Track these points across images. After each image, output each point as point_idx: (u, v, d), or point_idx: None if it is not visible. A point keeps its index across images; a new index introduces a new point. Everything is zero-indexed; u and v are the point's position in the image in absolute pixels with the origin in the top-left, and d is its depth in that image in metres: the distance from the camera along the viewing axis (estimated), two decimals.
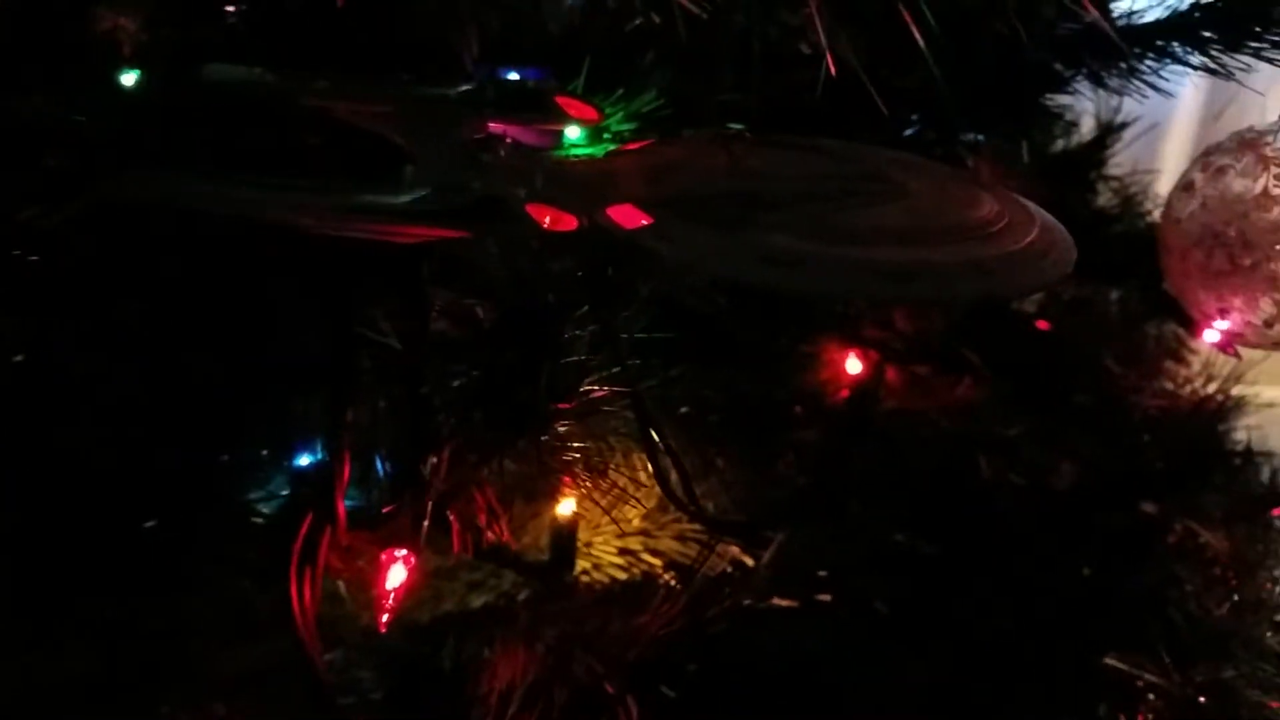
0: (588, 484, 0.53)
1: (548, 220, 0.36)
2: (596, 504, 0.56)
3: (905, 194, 0.40)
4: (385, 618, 0.47)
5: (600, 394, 0.45)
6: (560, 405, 0.44)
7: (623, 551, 0.69)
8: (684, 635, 0.49)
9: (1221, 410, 0.87)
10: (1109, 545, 0.77)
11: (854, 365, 0.72)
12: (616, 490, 0.55)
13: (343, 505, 0.48)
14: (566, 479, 0.57)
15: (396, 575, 0.48)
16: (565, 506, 0.66)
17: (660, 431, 0.46)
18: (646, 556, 0.68)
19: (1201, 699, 0.72)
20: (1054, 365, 0.85)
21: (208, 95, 0.41)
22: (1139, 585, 0.76)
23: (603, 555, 0.70)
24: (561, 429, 0.45)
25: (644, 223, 0.38)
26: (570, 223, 0.37)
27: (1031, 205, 0.41)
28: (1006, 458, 0.76)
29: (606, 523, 0.70)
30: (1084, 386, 0.85)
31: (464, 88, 0.42)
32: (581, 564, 0.68)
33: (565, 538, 0.66)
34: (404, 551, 0.49)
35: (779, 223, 0.37)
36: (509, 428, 0.45)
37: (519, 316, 0.43)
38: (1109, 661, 0.71)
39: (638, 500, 0.64)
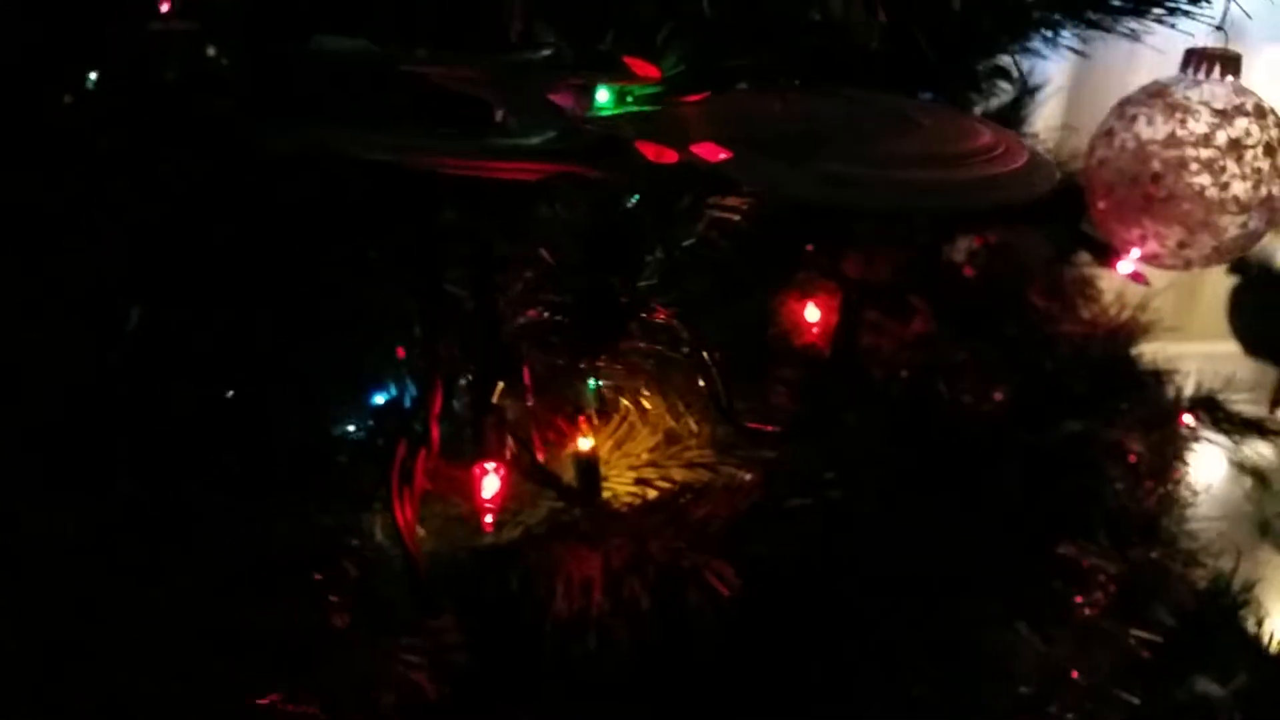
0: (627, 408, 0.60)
1: (653, 155, 0.44)
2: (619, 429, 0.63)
3: (921, 127, 0.49)
4: (489, 519, 0.54)
5: (663, 315, 0.53)
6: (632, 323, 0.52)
7: (638, 481, 0.77)
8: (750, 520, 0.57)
9: (1131, 335, 0.98)
10: (1050, 453, 0.88)
11: (814, 312, 0.82)
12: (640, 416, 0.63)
13: (437, 431, 0.55)
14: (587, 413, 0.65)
15: (491, 485, 0.55)
16: (584, 442, 0.73)
17: (710, 351, 0.54)
18: (660, 483, 0.76)
19: (1136, 574, 0.83)
20: (986, 303, 0.95)
21: (320, 61, 0.48)
22: (1078, 485, 0.87)
23: (618, 486, 0.77)
24: (634, 345, 0.53)
25: (724, 157, 0.46)
26: (671, 156, 0.44)
27: (1017, 136, 0.50)
28: (956, 383, 0.87)
29: (618, 457, 0.77)
30: (1012, 320, 0.97)
31: (545, 52, 0.50)
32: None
33: (589, 469, 0.73)
34: (494, 464, 0.56)
35: (830, 153, 0.46)
36: (590, 343, 0.52)
37: (603, 243, 0.51)
38: (1061, 550, 0.82)
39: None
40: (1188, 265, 0.78)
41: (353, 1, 0.52)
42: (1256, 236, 0.76)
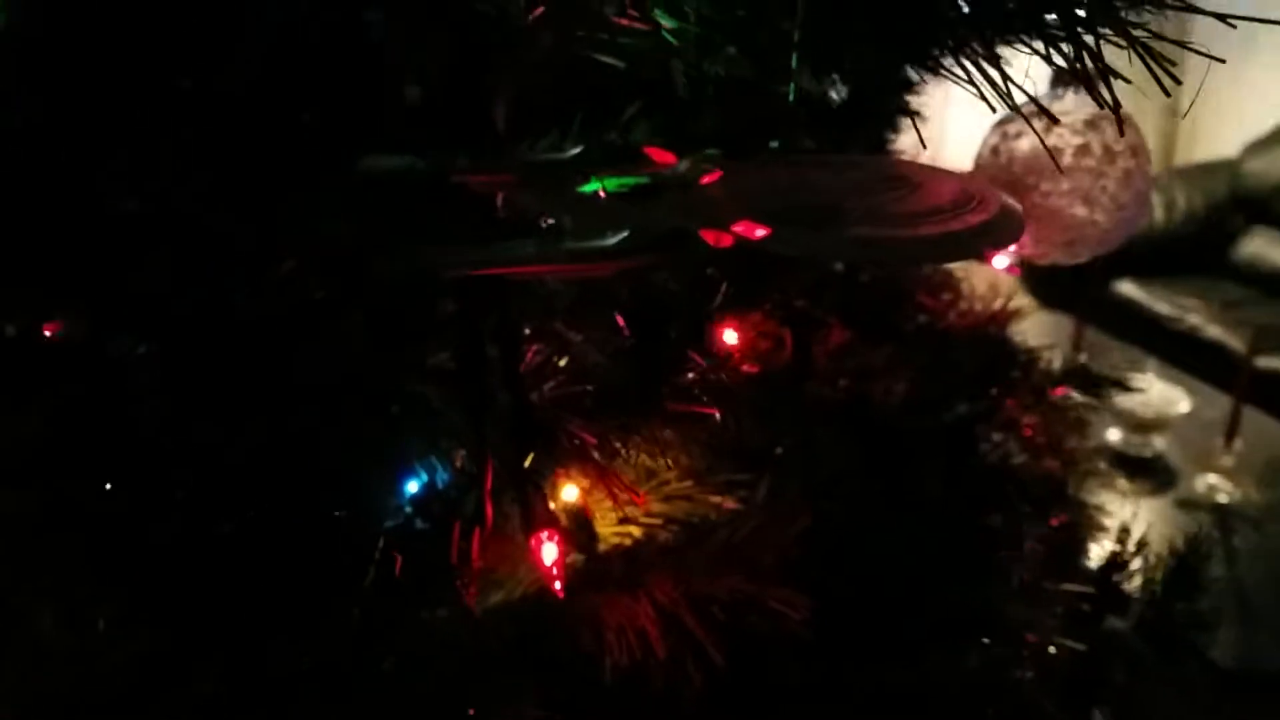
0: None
1: (713, 241, 0.49)
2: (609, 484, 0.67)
3: (917, 186, 0.55)
4: (558, 586, 0.57)
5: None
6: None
7: (622, 520, 0.81)
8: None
9: (1008, 318, 1.09)
10: (963, 434, 0.97)
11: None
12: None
13: (491, 508, 0.58)
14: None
15: (550, 552, 0.59)
16: (569, 492, 0.77)
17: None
18: (644, 519, 0.81)
19: (1057, 536, 0.93)
20: (885, 308, 1.04)
21: (375, 181, 0.51)
22: (986, 460, 0.97)
23: (602, 528, 0.82)
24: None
25: (762, 234, 0.51)
26: (728, 240, 0.49)
27: (985, 185, 0.58)
28: (879, 384, 0.95)
29: (597, 500, 0.81)
30: (909, 319, 1.06)
31: (574, 150, 0.54)
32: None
33: (582, 519, 0.77)
34: (548, 532, 0.59)
35: (851, 219, 0.52)
36: (635, 414, 0.57)
37: (645, 324, 0.55)
38: (989, 521, 0.91)
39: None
40: (1075, 259, 0.88)
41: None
42: (1131, 226, 0.87)
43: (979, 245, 0.51)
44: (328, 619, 0.57)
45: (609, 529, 0.82)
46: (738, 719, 0.58)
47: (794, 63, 0.57)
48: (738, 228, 0.51)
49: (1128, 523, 0.99)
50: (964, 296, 1.09)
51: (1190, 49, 0.48)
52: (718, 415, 0.58)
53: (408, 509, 0.61)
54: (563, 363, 0.59)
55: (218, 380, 0.51)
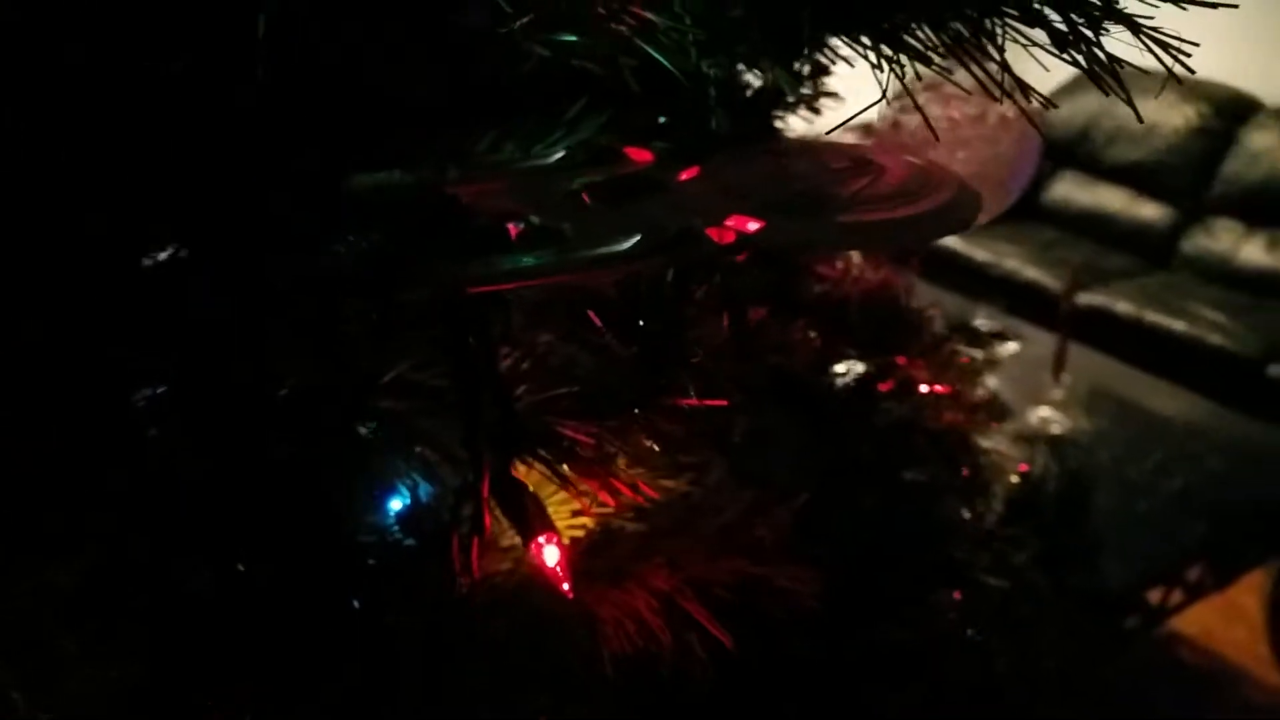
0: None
1: (717, 237, 0.50)
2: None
3: (881, 169, 0.58)
4: (567, 586, 0.58)
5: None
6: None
7: (575, 513, 0.82)
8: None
9: (897, 283, 1.14)
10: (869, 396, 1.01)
11: None
12: None
13: (489, 516, 0.58)
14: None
15: (552, 554, 0.59)
16: None
17: None
18: (597, 510, 0.81)
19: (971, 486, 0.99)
20: (788, 282, 1.07)
21: (372, 198, 0.50)
22: (895, 414, 1.02)
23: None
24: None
25: (756, 226, 0.53)
26: (730, 236, 0.51)
27: (939, 166, 0.60)
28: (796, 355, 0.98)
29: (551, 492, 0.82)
30: (808, 290, 1.09)
31: (558, 154, 0.54)
32: None
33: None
34: (547, 536, 0.60)
35: (832, 207, 0.54)
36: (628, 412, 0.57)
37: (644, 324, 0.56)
38: (910, 475, 0.96)
39: None
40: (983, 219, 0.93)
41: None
42: (1022, 188, 0.92)
43: (952, 222, 0.54)
44: (332, 642, 0.56)
45: (564, 522, 0.83)
46: (744, 696, 0.60)
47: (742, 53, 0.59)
48: (731, 222, 0.52)
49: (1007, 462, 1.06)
50: (855, 265, 1.13)
51: None
52: (725, 404, 0.59)
53: (395, 527, 0.61)
54: (537, 365, 0.60)
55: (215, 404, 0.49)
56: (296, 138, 0.48)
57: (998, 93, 0.88)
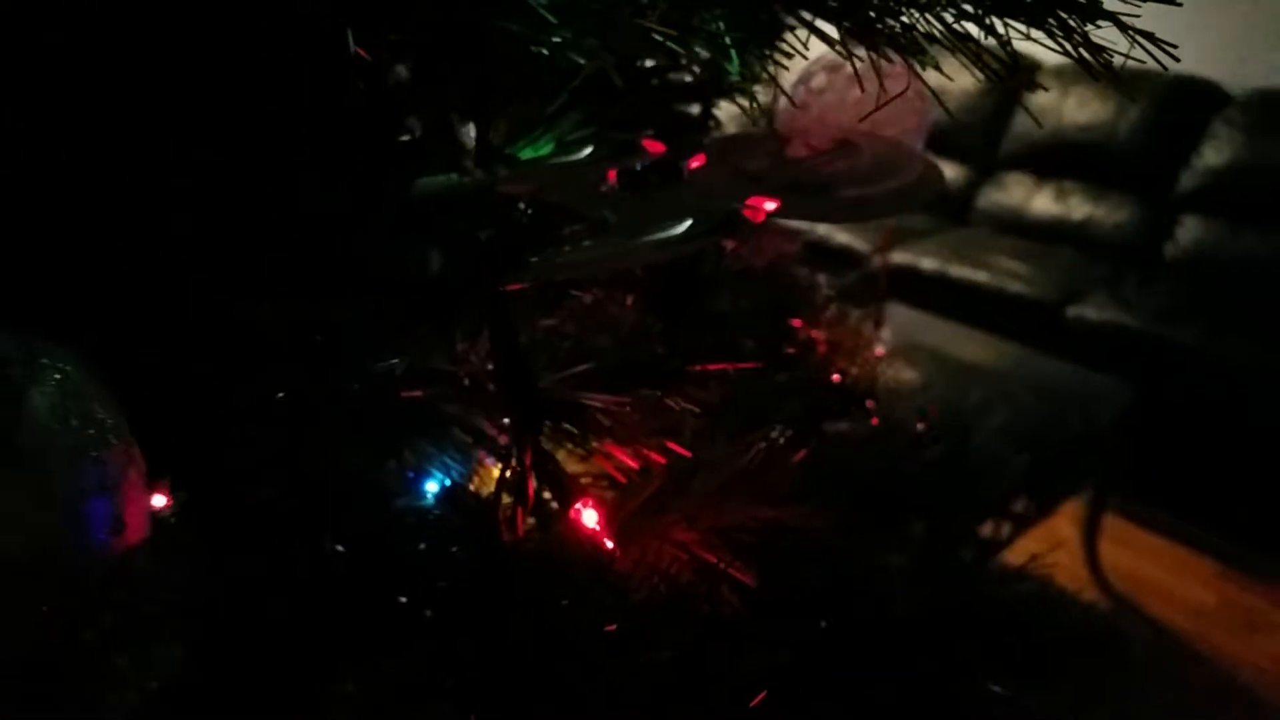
0: None
1: (751, 216, 0.56)
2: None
3: (859, 151, 0.65)
4: (611, 544, 0.63)
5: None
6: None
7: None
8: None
9: (789, 255, 1.22)
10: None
11: None
12: None
13: (533, 486, 0.63)
14: None
15: (591, 517, 0.64)
16: None
17: None
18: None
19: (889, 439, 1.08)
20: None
21: (438, 199, 0.54)
22: (797, 370, 1.10)
23: None
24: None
25: (773, 205, 0.59)
26: (760, 216, 0.57)
27: (904, 145, 0.68)
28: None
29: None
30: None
31: (588, 150, 0.59)
32: None
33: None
34: (583, 500, 0.65)
35: (837, 183, 0.61)
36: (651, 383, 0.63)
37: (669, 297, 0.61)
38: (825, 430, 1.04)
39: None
40: None
41: None
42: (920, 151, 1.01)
43: (929, 192, 0.62)
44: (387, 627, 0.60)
45: None
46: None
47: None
48: (753, 202, 0.59)
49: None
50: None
51: None
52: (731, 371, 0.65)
53: (436, 506, 0.64)
54: (556, 345, 0.64)
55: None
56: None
57: (894, 72, 0.97)
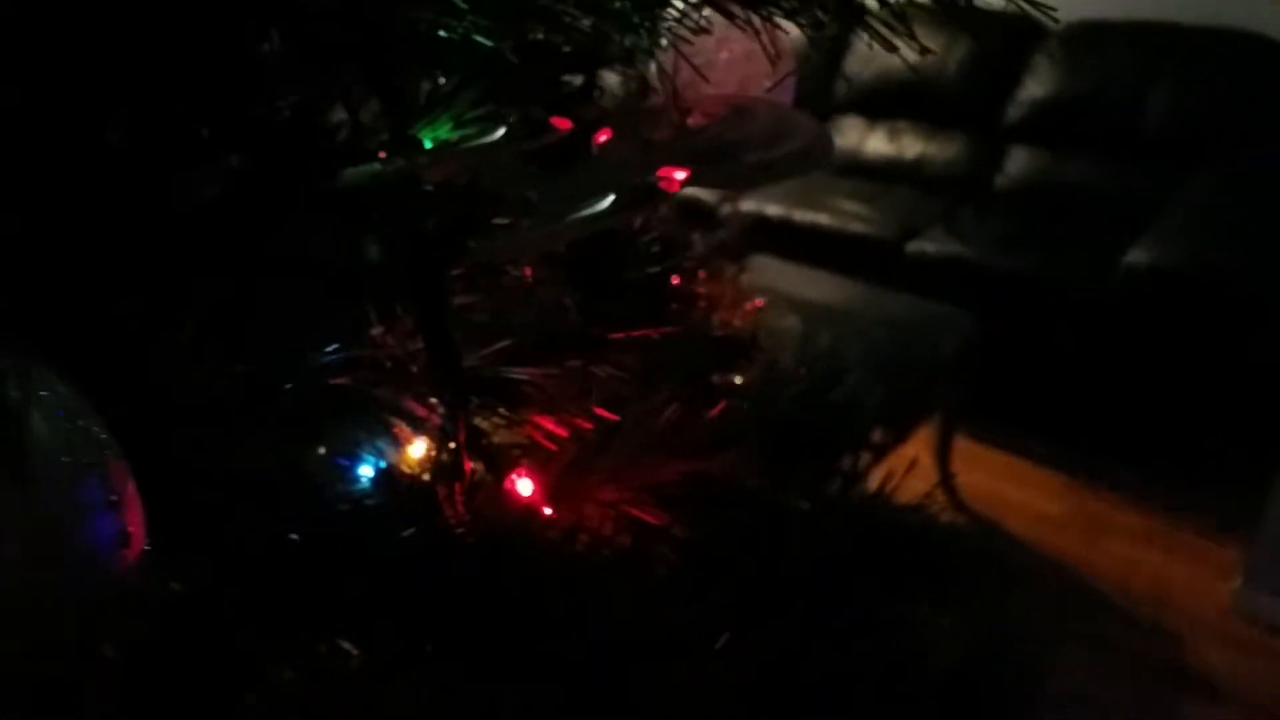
0: None
1: (666, 187, 0.59)
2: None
3: (755, 116, 0.68)
4: (548, 510, 0.65)
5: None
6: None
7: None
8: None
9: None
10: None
11: None
12: None
13: (469, 462, 0.65)
14: None
15: (527, 486, 0.66)
16: None
17: None
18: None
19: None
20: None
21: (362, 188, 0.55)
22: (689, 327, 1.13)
23: None
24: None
25: (683, 175, 0.62)
26: (675, 186, 0.59)
27: (792, 110, 0.71)
28: None
29: None
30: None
31: (501, 130, 0.60)
32: None
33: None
34: (517, 471, 0.67)
35: (744, 149, 0.64)
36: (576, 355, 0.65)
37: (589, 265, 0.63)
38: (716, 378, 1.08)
39: None
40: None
41: None
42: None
43: (824, 153, 0.66)
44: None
45: None
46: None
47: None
48: (663, 173, 0.61)
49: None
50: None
51: None
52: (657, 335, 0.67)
53: (369, 490, 0.65)
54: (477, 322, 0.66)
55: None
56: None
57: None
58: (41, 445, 0.33)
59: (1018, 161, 3.42)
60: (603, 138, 0.63)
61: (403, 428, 0.66)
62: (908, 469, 0.90)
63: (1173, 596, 2.62)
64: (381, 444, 0.66)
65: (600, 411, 0.66)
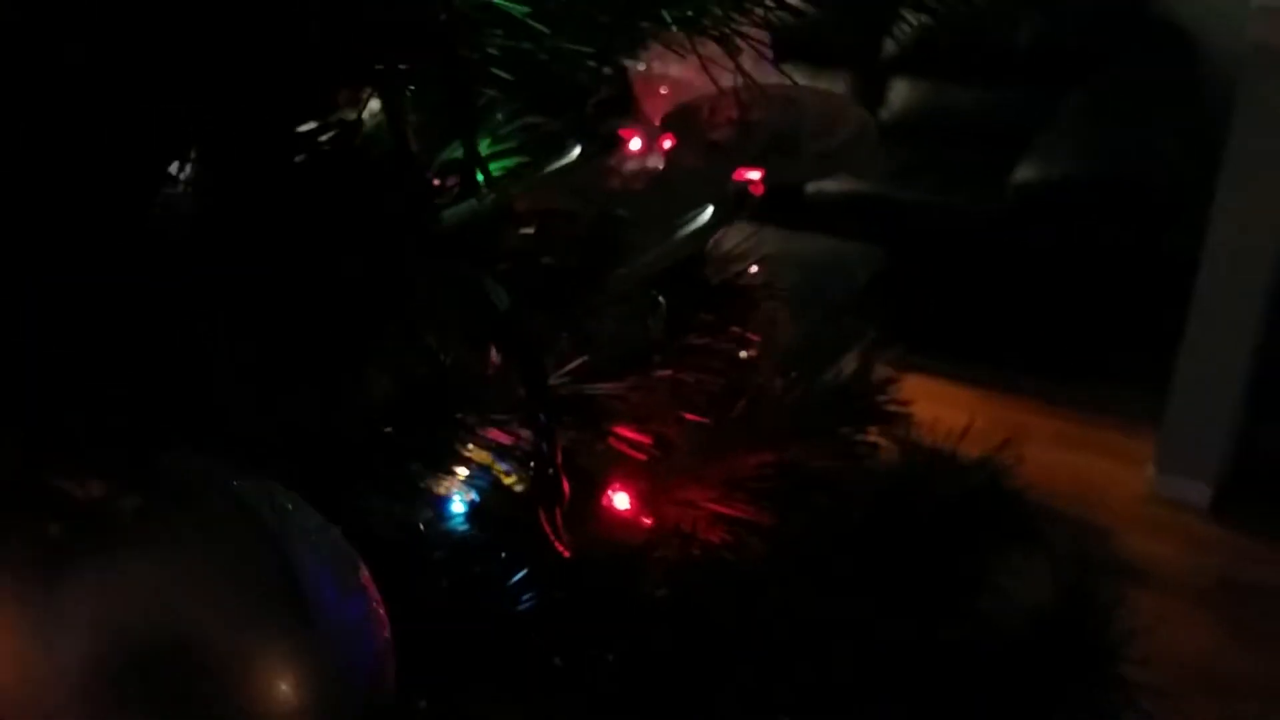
0: None
1: (757, 191, 0.59)
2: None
3: (803, 105, 0.68)
4: (649, 521, 0.65)
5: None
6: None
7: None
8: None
9: None
10: None
11: None
12: None
13: (567, 482, 0.64)
14: None
15: (623, 500, 0.66)
16: None
17: None
18: None
19: None
20: None
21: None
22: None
23: None
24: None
25: (757, 174, 0.62)
26: (760, 189, 0.60)
27: (834, 94, 0.72)
28: None
29: None
30: None
31: (575, 151, 0.60)
32: None
33: None
34: (613, 486, 0.67)
35: (804, 143, 0.64)
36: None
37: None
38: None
39: None
40: None
41: None
42: None
43: (874, 139, 0.67)
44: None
45: None
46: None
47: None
48: (740, 176, 0.61)
49: None
50: None
51: None
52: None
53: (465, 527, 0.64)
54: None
55: None
56: None
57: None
58: (308, 572, 0.32)
59: (900, 94, 3.49)
60: (667, 144, 0.63)
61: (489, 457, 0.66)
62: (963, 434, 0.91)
63: (1094, 492, 2.75)
64: (475, 477, 0.65)
65: (691, 417, 0.66)
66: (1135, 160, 2.77)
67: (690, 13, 0.56)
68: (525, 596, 0.63)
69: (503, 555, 0.64)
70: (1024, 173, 2.78)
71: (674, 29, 0.53)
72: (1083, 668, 0.70)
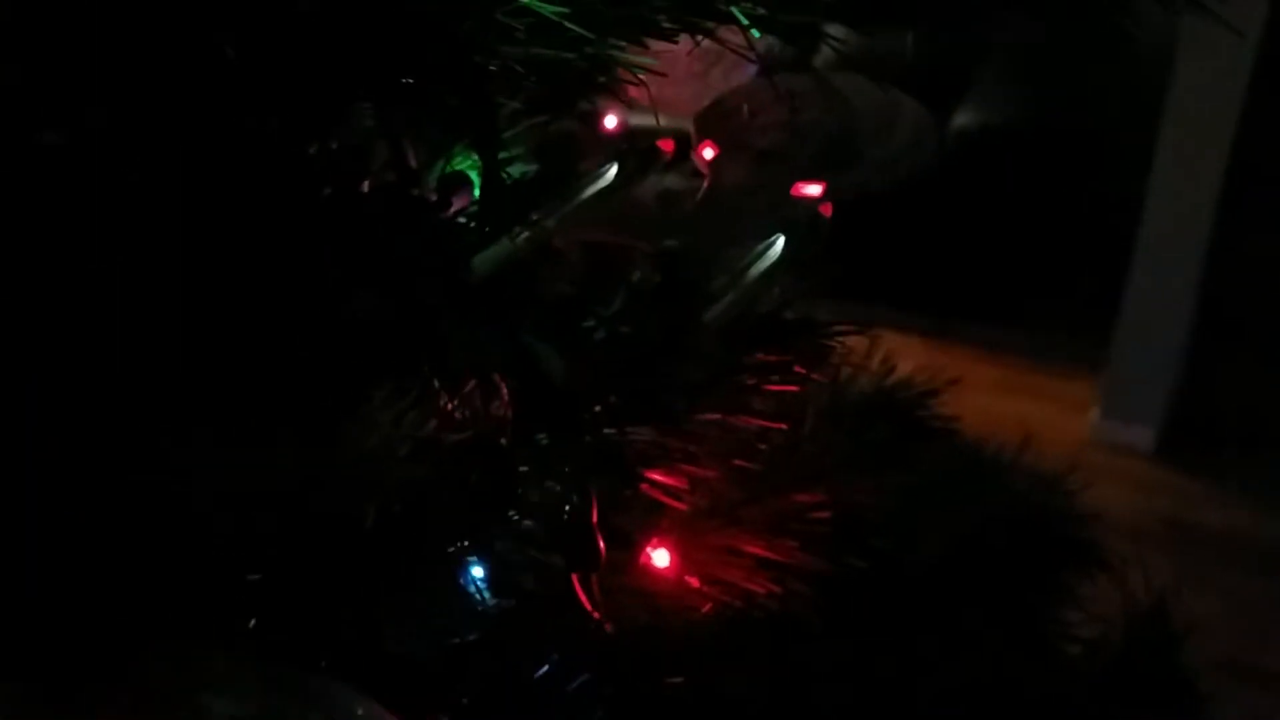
0: None
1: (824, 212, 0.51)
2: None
3: (848, 101, 0.60)
4: (695, 581, 0.58)
5: None
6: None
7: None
8: None
9: None
10: None
11: None
12: None
13: (603, 543, 0.56)
14: None
15: (663, 558, 0.59)
16: None
17: None
18: None
19: None
20: None
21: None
22: None
23: None
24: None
25: (818, 189, 0.54)
26: (829, 209, 0.51)
27: (886, 88, 0.63)
28: None
29: None
30: None
31: (610, 168, 0.51)
32: None
33: None
34: (652, 543, 0.59)
35: (859, 149, 0.56)
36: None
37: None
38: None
39: None
40: None
41: None
42: None
43: (934, 137, 0.59)
44: None
45: None
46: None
47: None
48: (798, 193, 0.53)
49: None
50: None
51: None
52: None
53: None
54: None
55: None
56: None
57: None
58: None
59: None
60: (707, 152, 0.54)
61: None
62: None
63: (1038, 438, 2.74)
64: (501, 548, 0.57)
65: (742, 463, 0.59)
66: (1074, 105, 2.74)
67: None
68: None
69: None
70: (964, 119, 2.73)
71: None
72: (1159, 703, 0.64)
